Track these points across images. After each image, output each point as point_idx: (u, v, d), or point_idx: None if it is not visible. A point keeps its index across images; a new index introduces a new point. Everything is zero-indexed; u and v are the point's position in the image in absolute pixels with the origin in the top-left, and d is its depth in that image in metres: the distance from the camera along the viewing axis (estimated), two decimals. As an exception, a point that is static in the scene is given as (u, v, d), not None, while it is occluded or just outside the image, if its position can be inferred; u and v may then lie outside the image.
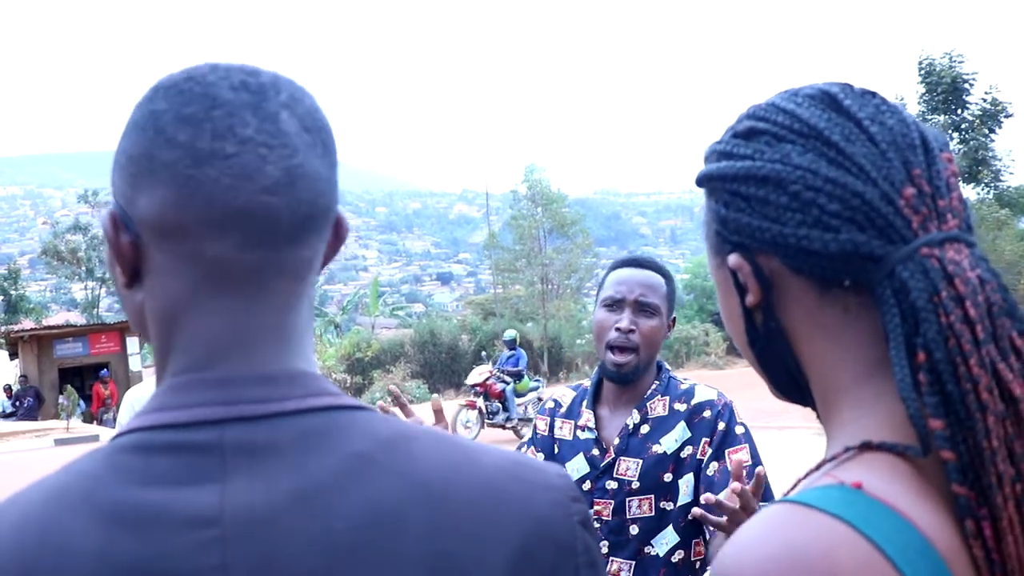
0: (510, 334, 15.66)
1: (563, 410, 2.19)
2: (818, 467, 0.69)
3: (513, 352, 14.93)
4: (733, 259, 0.74)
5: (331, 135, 0.70)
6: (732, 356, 28.94)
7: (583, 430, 2.11)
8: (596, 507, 2.01)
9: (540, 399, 14.10)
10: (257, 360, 0.66)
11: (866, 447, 0.66)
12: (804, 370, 0.75)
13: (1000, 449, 0.62)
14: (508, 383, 14.19)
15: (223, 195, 0.63)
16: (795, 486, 0.69)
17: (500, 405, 13.99)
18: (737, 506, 1.53)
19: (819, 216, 0.68)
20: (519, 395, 14.29)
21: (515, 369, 14.50)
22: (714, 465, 1.95)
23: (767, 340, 0.76)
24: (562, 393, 2.25)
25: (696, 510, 1.71)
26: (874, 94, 0.74)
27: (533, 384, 14.84)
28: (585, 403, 2.14)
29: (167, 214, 0.64)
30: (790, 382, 0.78)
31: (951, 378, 0.63)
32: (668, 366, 2.17)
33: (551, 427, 2.18)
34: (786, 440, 9.33)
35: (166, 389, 0.66)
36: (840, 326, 0.71)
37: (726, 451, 1.96)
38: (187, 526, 0.60)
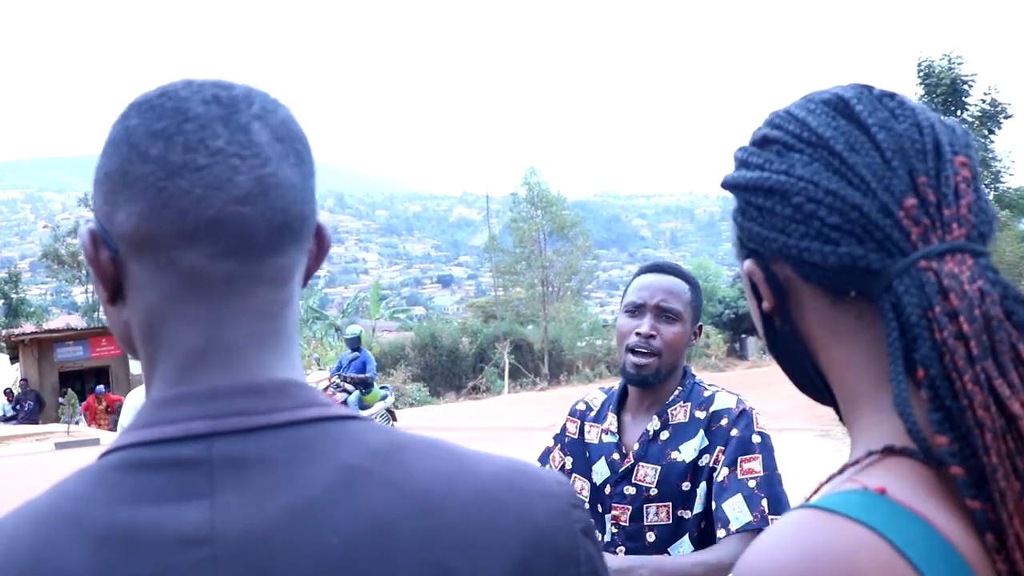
0: (353, 331, 12.87)
1: (593, 414, 2.18)
2: (841, 471, 0.68)
3: (357, 354, 12.34)
4: (747, 265, 0.76)
5: (306, 144, 0.70)
6: (732, 358, 28.93)
7: (607, 433, 2.11)
8: (614, 511, 2.00)
9: (389, 411, 12.17)
10: (243, 370, 0.65)
11: (889, 451, 0.65)
12: (823, 374, 0.76)
13: (1002, 465, 0.61)
14: (350, 392, 11.78)
15: (195, 206, 0.63)
16: (817, 490, 0.69)
17: None
18: None
19: (820, 228, 0.68)
20: (365, 407, 11.67)
21: (361, 376, 11.99)
22: (724, 471, 1.91)
23: (785, 344, 0.77)
24: (593, 396, 2.23)
25: None
26: (893, 96, 0.73)
27: (381, 392, 12.28)
28: (611, 407, 2.14)
29: (142, 227, 0.64)
30: (811, 383, 0.79)
31: (949, 394, 0.62)
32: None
33: (581, 430, 2.17)
34: (788, 442, 9.32)
35: (152, 404, 0.65)
36: (854, 332, 0.71)
37: (739, 458, 1.92)
38: (178, 545, 0.59)
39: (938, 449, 0.63)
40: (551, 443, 2.23)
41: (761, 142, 0.76)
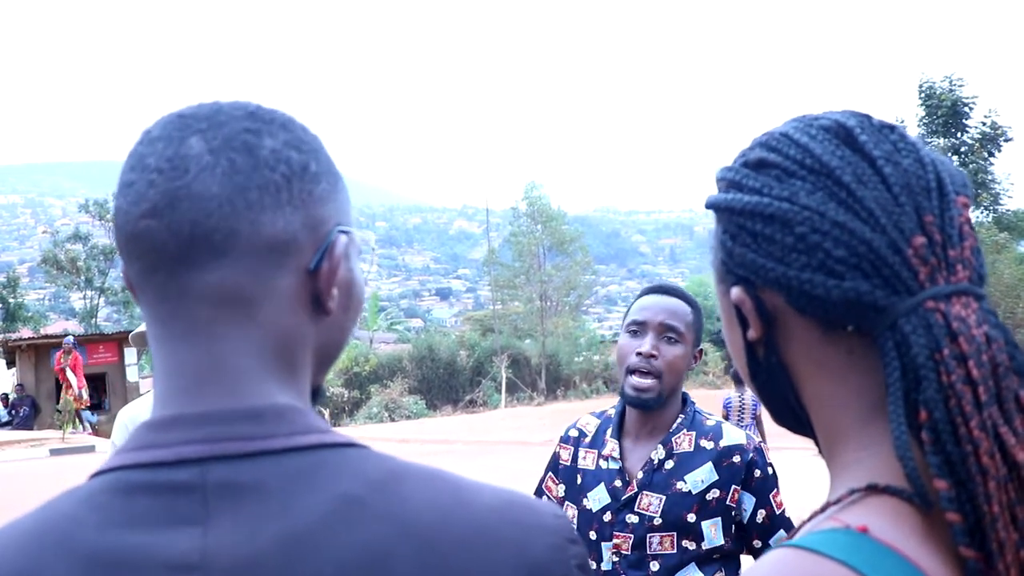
0: None
1: (587, 440, 2.15)
2: (822, 509, 0.67)
3: None
4: (736, 293, 0.73)
5: (256, 155, 0.65)
6: (729, 376, 28.88)
7: (607, 460, 2.08)
8: (616, 540, 1.99)
9: None
10: (234, 393, 0.64)
11: (872, 490, 0.64)
12: (805, 407, 0.74)
13: (1002, 515, 0.60)
14: None
15: (123, 222, 0.65)
16: (799, 529, 0.68)
17: None
18: None
19: (824, 260, 0.66)
20: None
21: None
22: (761, 513, 1.98)
23: (768, 374, 0.75)
24: (585, 421, 2.21)
25: None
26: (893, 128, 0.71)
27: None
28: (609, 432, 2.11)
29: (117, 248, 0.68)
30: (791, 415, 0.77)
31: (951, 439, 0.61)
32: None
33: (575, 457, 2.15)
34: (786, 461, 9.31)
35: (148, 425, 0.64)
36: (844, 367, 0.69)
37: (770, 496, 2.00)
38: (166, 571, 0.58)
39: (935, 494, 0.61)
40: (544, 474, 2.22)
41: (757, 164, 0.73)
